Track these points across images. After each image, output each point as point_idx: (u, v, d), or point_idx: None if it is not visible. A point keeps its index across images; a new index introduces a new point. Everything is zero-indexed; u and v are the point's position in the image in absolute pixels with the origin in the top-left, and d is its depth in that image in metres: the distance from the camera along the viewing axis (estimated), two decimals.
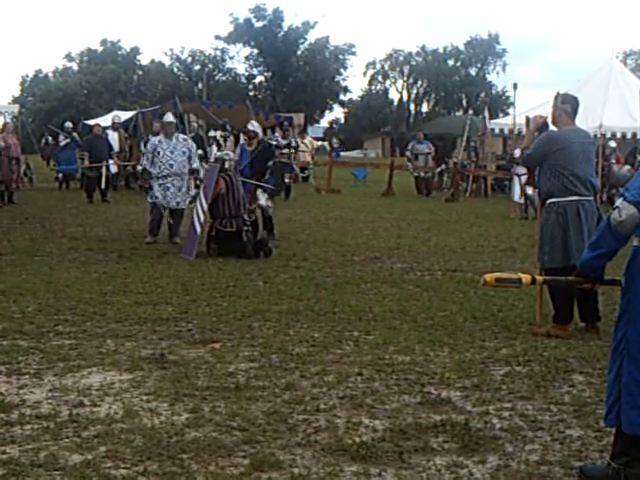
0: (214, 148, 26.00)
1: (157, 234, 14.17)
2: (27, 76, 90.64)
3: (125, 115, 34.13)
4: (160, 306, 8.75)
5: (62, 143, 27.57)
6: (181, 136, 14.63)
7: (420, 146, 28.39)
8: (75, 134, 28.10)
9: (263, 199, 14.08)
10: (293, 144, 27.71)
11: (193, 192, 14.49)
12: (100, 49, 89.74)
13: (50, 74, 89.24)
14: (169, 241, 14.02)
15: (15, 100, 73.66)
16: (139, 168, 17.10)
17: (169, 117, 14.75)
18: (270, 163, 14.21)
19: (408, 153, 28.81)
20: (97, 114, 52.94)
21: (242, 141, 14.74)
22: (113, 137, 24.97)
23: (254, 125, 14.66)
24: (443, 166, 29.19)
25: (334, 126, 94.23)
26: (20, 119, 32.39)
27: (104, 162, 22.64)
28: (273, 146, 15.96)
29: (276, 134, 26.73)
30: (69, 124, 28.83)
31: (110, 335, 7.49)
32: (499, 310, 8.76)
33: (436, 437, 5.05)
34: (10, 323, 7.83)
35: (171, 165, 13.96)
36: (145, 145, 18.18)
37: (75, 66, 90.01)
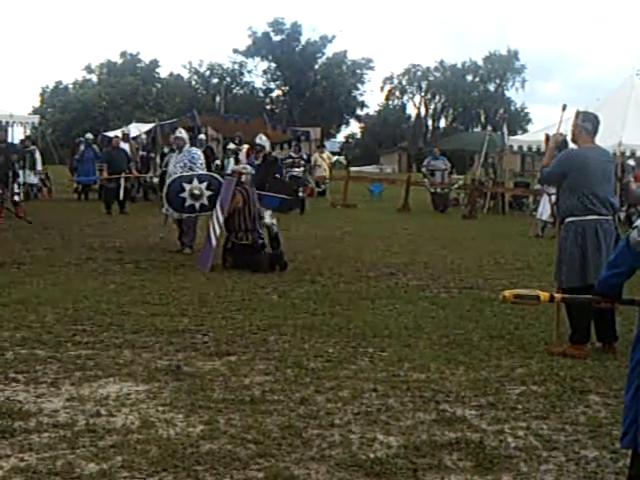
0: (232, 161, 26.13)
1: (185, 243, 14.41)
2: (47, 87, 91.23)
3: (144, 127, 34.35)
4: (176, 318, 8.78)
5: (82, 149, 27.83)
6: (189, 149, 14.85)
7: (436, 162, 28.40)
8: (94, 145, 28.30)
9: (267, 217, 13.93)
10: (304, 157, 27.87)
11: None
12: (120, 61, 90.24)
13: (70, 86, 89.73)
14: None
15: (35, 111, 73.95)
16: (155, 180, 17.32)
17: (178, 132, 15.28)
18: (270, 177, 14.15)
19: (424, 169, 28.82)
20: (116, 126, 53.24)
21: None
22: (124, 148, 25.18)
23: (262, 139, 14.78)
24: (460, 182, 29.19)
25: (350, 141, 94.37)
26: (40, 130, 32.55)
27: (122, 174, 22.80)
28: (279, 160, 16.02)
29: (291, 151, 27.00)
30: (90, 135, 29.03)
31: (127, 346, 7.53)
32: (515, 329, 8.74)
33: (450, 455, 5.04)
34: (28, 332, 7.88)
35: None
36: (161, 158, 18.37)
37: (95, 78, 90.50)
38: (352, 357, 7.37)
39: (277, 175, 14.63)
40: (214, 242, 12.66)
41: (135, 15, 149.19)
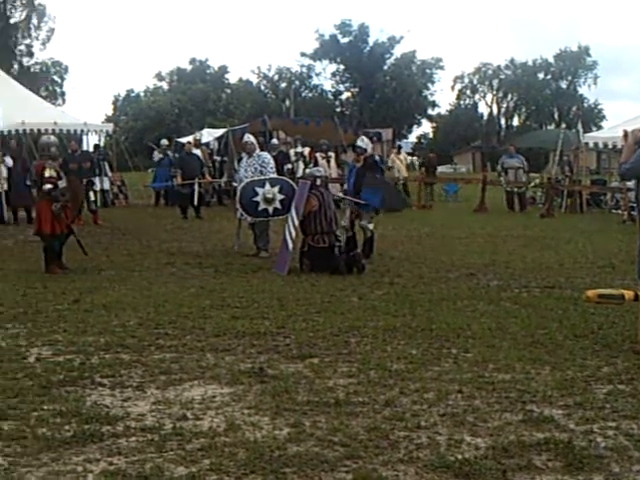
0: (301, 164, 26.21)
1: (260, 247, 14.51)
2: (119, 95, 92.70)
3: (215, 133, 34.65)
4: (257, 320, 8.81)
5: (156, 159, 28.25)
6: (259, 153, 14.99)
7: (510, 160, 27.96)
8: (169, 151, 28.66)
9: (365, 218, 14.03)
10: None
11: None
12: (189, 68, 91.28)
13: (141, 93, 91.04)
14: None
15: (108, 119, 75.18)
16: (234, 184, 17.47)
17: (246, 137, 15.51)
18: (365, 178, 14.05)
19: (499, 167, 28.50)
20: (188, 132, 53.78)
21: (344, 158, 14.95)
22: (196, 153, 25.44)
23: (364, 141, 14.67)
24: (536, 180, 28.79)
25: (422, 141, 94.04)
26: (114, 137, 33.04)
27: (196, 179, 23.07)
28: (378, 163, 15.90)
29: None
30: (165, 141, 29.41)
31: (210, 349, 7.58)
32: (599, 328, 8.57)
33: (539, 455, 4.97)
34: (112, 337, 7.99)
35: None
36: (238, 163, 18.59)
37: (165, 85, 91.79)
38: (436, 359, 7.31)
39: (376, 175, 14.41)
40: (290, 245, 12.69)
41: (203, 22, 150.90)
